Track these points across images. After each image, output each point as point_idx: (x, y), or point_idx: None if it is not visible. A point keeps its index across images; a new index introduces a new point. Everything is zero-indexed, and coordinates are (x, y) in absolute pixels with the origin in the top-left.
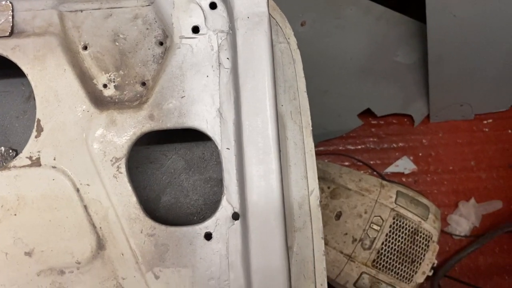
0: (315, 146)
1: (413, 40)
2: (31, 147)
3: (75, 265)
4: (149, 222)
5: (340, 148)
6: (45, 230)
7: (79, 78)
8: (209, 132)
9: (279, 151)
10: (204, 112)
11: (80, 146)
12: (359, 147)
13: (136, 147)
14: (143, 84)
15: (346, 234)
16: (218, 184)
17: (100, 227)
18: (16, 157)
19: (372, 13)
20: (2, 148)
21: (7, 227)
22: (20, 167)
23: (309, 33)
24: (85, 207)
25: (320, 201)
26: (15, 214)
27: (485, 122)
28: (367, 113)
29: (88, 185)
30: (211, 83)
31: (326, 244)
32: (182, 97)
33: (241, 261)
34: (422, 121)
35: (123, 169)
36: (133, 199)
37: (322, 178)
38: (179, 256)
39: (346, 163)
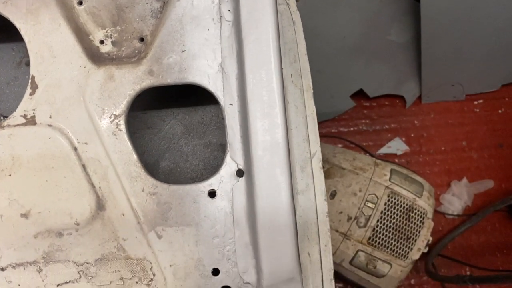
0: None
1: (406, 18)
2: (26, 105)
3: (74, 226)
4: (151, 181)
5: (333, 130)
6: (42, 190)
7: (74, 33)
8: (211, 88)
9: (284, 104)
10: (205, 67)
11: (77, 103)
12: (352, 129)
13: (133, 112)
14: (141, 39)
15: (341, 212)
16: (219, 148)
17: (100, 187)
18: (10, 116)
19: None
20: None
21: (1, 188)
22: (14, 126)
23: (302, 10)
24: (84, 166)
25: (323, 164)
26: (10, 175)
27: (475, 102)
28: (359, 95)
29: (86, 143)
30: (212, 36)
31: None
32: (183, 51)
33: (246, 218)
34: (414, 102)
35: (122, 126)
36: (134, 157)
37: None
38: (183, 214)
39: (339, 145)
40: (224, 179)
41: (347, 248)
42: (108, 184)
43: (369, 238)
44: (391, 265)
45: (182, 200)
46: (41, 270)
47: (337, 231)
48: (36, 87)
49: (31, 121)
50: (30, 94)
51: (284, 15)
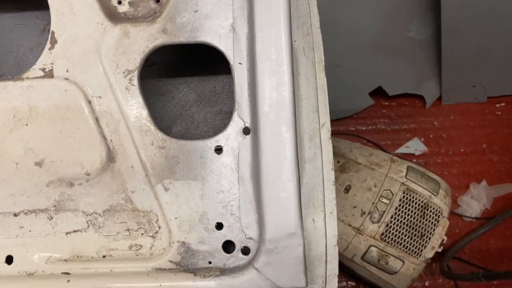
0: None
1: (427, 14)
2: (45, 59)
3: (85, 176)
4: (160, 135)
5: (351, 128)
6: (56, 140)
7: None
8: (222, 47)
9: (292, 62)
10: (217, 27)
11: (93, 58)
12: (370, 127)
13: (148, 79)
14: (157, 1)
15: (354, 207)
16: (229, 116)
17: (111, 140)
18: (30, 69)
19: None
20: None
21: (18, 136)
22: (33, 78)
23: (322, 2)
24: (97, 119)
25: (331, 134)
26: (27, 124)
27: (497, 105)
28: (378, 94)
29: (100, 97)
30: None
31: None
32: (196, 11)
33: (250, 175)
34: (433, 103)
35: (135, 81)
36: (145, 111)
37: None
38: (189, 169)
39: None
40: (231, 136)
41: (359, 243)
42: (119, 137)
43: (382, 233)
44: (403, 262)
45: (189, 155)
46: (52, 218)
47: (350, 225)
48: (55, 42)
49: (49, 74)
50: (49, 49)
51: None
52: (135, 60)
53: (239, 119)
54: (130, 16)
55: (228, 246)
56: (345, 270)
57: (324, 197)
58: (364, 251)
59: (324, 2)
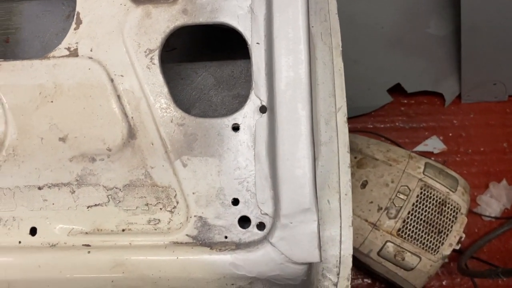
0: None
1: (446, 10)
2: (70, 39)
3: (106, 152)
4: (179, 112)
5: (369, 126)
6: (79, 117)
7: None
8: (240, 28)
9: (309, 41)
10: (235, 8)
11: (116, 38)
12: (388, 125)
13: (168, 64)
14: None
15: (371, 202)
16: (246, 100)
17: (132, 117)
18: (56, 48)
19: None
20: None
21: (44, 113)
22: (59, 57)
23: None
24: (118, 97)
25: (348, 118)
26: (52, 101)
27: None
28: (397, 91)
29: (122, 76)
30: None
31: None
32: None
33: (266, 152)
34: (453, 101)
35: (156, 60)
36: (165, 89)
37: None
38: (207, 145)
39: None
40: (248, 114)
41: (375, 238)
42: (140, 115)
43: (399, 229)
44: (420, 258)
45: (207, 132)
46: (74, 191)
47: (366, 220)
48: (80, 22)
49: (74, 53)
50: (75, 29)
51: None
52: (156, 39)
53: (256, 98)
54: None
55: (243, 222)
56: (361, 267)
57: (339, 179)
58: (380, 247)
59: None
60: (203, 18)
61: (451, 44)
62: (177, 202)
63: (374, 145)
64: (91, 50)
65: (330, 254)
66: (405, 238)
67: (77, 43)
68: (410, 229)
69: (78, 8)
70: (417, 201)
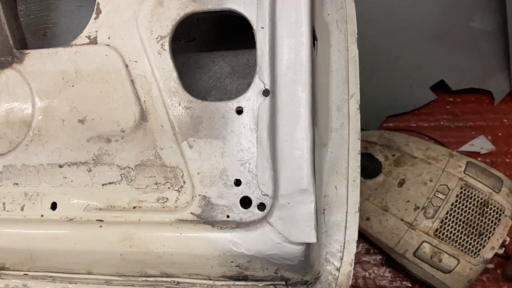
0: (385, 121)
1: (492, 3)
2: (90, 28)
3: (120, 133)
4: (187, 96)
5: (412, 124)
6: (96, 100)
7: None
8: (246, 13)
9: (311, 24)
10: None
11: (131, 26)
12: (432, 124)
13: (188, 54)
14: None
15: (408, 201)
16: None
17: (144, 101)
18: (78, 37)
19: None
20: None
21: (65, 96)
22: (80, 45)
23: None
24: (132, 81)
25: (360, 105)
26: (73, 86)
27: None
28: (442, 89)
29: (136, 61)
30: None
31: (386, 210)
32: None
33: (268, 134)
34: (503, 99)
35: (166, 46)
36: (174, 74)
37: (387, 146)
38: (212, 128)
39: None
40: (251, 98)
41: (411, 238)
42: (151, 98)
43: (436, 229)
44: (458, 260)
45: (212, 115)
46: (91, 170)
47: (402, 220)
48: (100, 12)
49: (93, 41)
50: (94, 19)
51: None
52: (167, 26)
53: (260, 82)
54: None
55: (245, 202)
56: (399, 269)
57: (348, 165)
58: (416, 247)
59: None
60: (211, 5)
61: (498, 39)
62: (184, 182)
63: (413, 143)
64: (108, 38)
65: (334, 239)
66: (442, 239)
67: (96, 31)
68: (448, 230)
69: None
70: (456, 201)
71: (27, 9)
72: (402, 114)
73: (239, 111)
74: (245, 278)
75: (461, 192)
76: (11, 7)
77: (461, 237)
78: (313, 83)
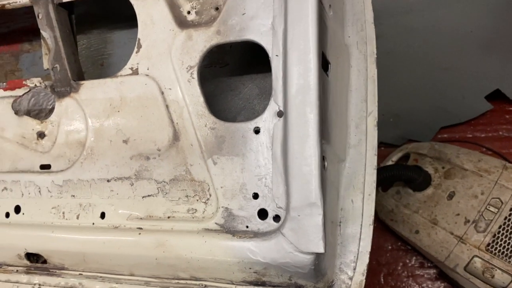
0: (439, 132)
1: None
2: (133, 60)
3: (157, 152)
4: (212, 118)
5: (468, 135)
6: (138, 123)
7: (169, 6)
8: (263, 43)
9: (319, 52)
10: (259, 26)
11: (166, 58)
12: (490, 134)
13: (221, 78)
14: (217, 8)
15: (458, 214)
16: None
17: (177, 123)
18: (122, 69)
19: None
20: None
21: (112, 120)
22: (124, 75)
23: (421, 3)
24: (167, 106)
25: (377, 122)
26: (119, 111)
27: None
28: (498, 99)
29: (170, 89)
30: (268, 0)
31: (435, 224)
32: (243, 14)
33: (281, 152)
34: None
35: (195, 75)
36: (201, 99)
37: (438, 158)
38: (233, 146)
39: None
40: (267, 118)
41: (461, 253)
42: (183, 121)
43: (488, 244)
44: None
45: (233, 135)
46: (133, 184)
47: (452, 233)
48: (140, 46)
49: (135, 72)
50: (136, 52)
51: None
52: (196, 57)
53: (275, 104)
54: (196, 23)
55: (262, 214)
56: (451, 282)
57: (364, 180)
58: (467, 262)
59: (424, 5)
60: (233, 37)
61: None
62: (210, 195)
63: (465, 155)
64: (147, 69)
65: (348, 250)
66: (495, 254)
67: (138, 63)
68: (501, 245)
69: (139, 35)
70: (510, 214)
71: (88, 43)
72: (457, 125)
73: (257, 130)
74: (263, 284)
75: None
76: (70, 44)
77: None
78: (320, 105)
